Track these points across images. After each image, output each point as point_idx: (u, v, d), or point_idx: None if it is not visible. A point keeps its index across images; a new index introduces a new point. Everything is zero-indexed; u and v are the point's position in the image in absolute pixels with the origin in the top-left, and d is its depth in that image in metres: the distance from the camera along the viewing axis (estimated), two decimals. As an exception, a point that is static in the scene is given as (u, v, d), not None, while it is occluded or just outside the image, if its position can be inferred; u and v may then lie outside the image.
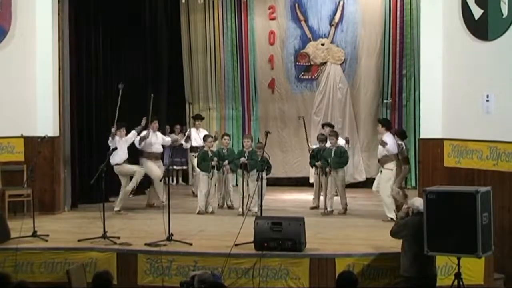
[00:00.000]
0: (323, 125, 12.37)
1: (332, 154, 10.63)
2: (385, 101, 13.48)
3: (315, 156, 10.89)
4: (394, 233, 7.11)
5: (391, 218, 9.72)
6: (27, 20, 10.52)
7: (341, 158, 10.61)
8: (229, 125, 14.43)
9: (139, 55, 13.26)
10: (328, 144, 10.83)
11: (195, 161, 11.69)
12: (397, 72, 13.51)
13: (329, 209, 10.60)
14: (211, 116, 14.48)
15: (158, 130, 11.57)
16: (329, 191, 10.68)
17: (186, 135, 12.38)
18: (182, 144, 12.58)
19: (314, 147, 11.42)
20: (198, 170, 11.29)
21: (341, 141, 11.32)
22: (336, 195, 10.86)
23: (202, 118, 12.91)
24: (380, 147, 10.10)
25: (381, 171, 10.20)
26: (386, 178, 10.04)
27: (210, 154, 10.81)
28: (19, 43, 10.53)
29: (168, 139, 11.82)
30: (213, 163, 10.70)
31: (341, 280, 5.75)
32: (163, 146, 11.65)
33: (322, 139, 10.98)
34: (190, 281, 6.26)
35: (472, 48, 8.97)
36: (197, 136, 12.22)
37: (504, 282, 8.14)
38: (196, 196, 11.96)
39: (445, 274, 7.40)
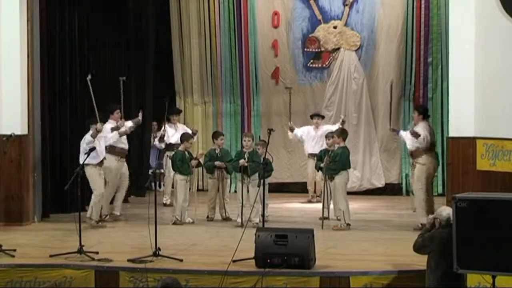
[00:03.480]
0: (311, 116, 12.70)
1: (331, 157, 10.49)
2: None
3: (321, 158, 10.78)
4: (418, 248, 7.09)
5: (422, 225, 9.70)
6: (-10, -1, 10.52)
7: (334, 161, 10.34)
8: (226, 121, 14.43)
9: (121, 40, 13.24)
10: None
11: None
12: (422, 59, 13.52)
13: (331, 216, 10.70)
14: (207, 111, 14.50)
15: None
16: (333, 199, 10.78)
17: (160, 135, 12.37)
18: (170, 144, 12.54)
19: (298, 131, 12.24)
20: (172, 173, 11.40)
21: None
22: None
23: (179, 112, 12.97)
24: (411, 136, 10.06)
25: (413, 164, 10.16)
26: (419, 174, 10.01)
27: (187, 155, 10.91)
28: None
29: (130, 124, 11.22)
30: (193, 162, 10.86)
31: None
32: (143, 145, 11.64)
33: (331, 137, 10.88)
34: None
35: (509, 31, 8.95)
36: (174, 133, 12.18)
37: (547, 305, 8.11)
38: (167, 205, 12.04)
39: (477, 295, 7.38)
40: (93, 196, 10.40)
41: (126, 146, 11.14)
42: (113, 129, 10.79)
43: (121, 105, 10.89)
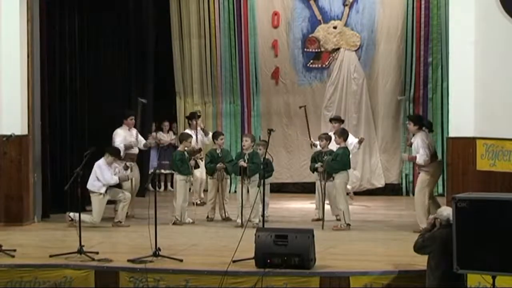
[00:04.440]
0: (331, 120, 12.28)
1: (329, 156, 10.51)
2: (398, 98, 13.27)
3: (315, 160, 10.78)
4: (418, 248, 7.08)
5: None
6: (-10, -1, 10.51)
7: (335, 161, 10.34)
8: (226, 122, 14.44)
9: (121, 40, 13.23)
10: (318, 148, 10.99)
11: (202, 164, 11.62)
12: (422, 59, 13.53)
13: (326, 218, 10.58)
14: (207, 111, 14.51)
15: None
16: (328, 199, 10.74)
17: (203, 131, 12.37)
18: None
19: (317, 143, 11.39)
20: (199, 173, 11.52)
21: (351, 139, 11.38)
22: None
23: (198, 116, 12.50)
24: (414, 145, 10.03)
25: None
26: (421, 181, 9.98)
27: (186, 155, 10.90)
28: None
29: (142, 143, 11.47)
30: (191, 162, 10.86)
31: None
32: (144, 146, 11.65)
33: (324, 138, 10.87)
34: None
35: (509, 31, 8.95)
36: (201, 137, 12.11)
37: (547, 305, 8.11)
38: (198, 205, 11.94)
39: (477, 296, 7.37)
40: (89, 217, 10.30)
41: (136, 151, 11.32)
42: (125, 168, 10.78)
43: (138, 126, 11.20)
